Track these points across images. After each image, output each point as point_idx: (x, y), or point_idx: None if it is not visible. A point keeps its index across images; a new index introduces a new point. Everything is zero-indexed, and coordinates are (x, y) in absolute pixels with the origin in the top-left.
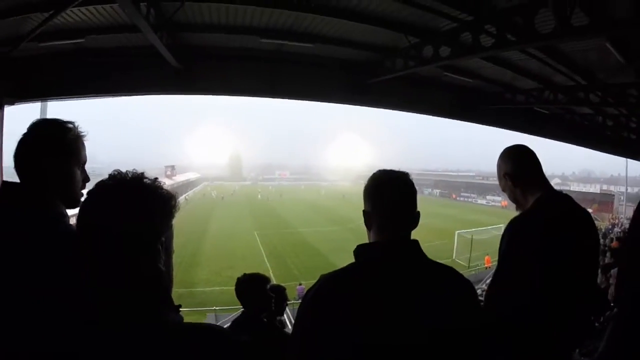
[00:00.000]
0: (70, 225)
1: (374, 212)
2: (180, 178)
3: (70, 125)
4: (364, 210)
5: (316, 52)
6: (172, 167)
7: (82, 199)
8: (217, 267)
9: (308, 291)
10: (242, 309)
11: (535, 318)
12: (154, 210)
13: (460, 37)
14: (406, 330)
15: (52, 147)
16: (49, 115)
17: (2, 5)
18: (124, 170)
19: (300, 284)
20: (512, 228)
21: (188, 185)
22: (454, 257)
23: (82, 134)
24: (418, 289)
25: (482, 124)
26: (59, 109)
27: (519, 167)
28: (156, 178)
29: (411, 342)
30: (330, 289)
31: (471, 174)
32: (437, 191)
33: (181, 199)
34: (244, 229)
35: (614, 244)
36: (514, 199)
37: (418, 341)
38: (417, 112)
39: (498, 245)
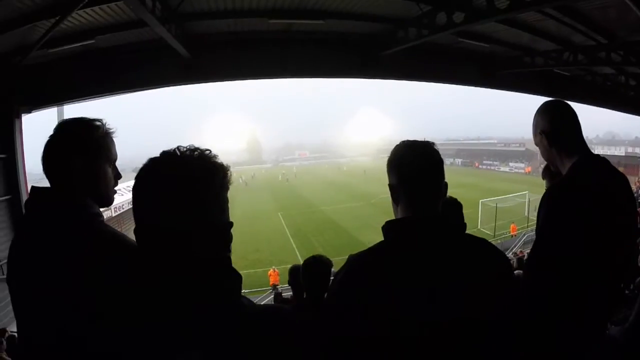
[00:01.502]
0: (106, 224)
1: (400, 184)
2: None
3: (98, 123)
4: (389, 184)
5: (326, 28)
6: None
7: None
8: (243, 250)
9: (337, 273)
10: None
11: (576, 290)
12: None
13: (473, 1)
14: (440, 309)
15: (80, 146)
16: (68, 116)
17: (8, 16)
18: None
19: None
20: (551, 200)
21: None
22: (479, 227)
23: (111, 130)
24: (452, 266)
25: (501, 89)
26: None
27: (557, 125)
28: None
29: (444, 320)
30: (360, 270)
31: (493, 141)
32: (459, 160)
33: None
34: (268, 210)
35: None
36: (547, 158)
37: (452, 320)
38: (432, 81)
39: (522, 213)
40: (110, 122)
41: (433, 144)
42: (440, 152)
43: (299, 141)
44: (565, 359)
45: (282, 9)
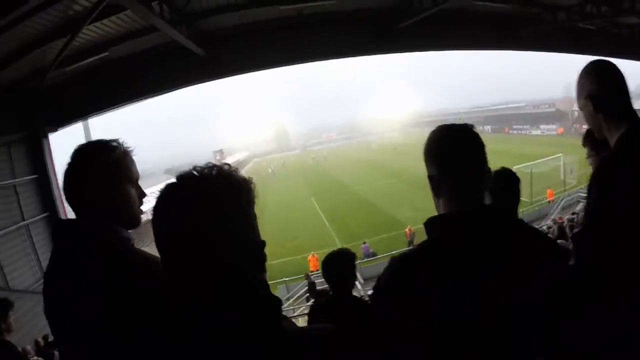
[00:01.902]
0: (136, 248)
1: (441, 176)
2: (230, 160)
3: (115, 144)
4: (429, 175)
5: (339, 7)
6: (220, 150)
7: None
8: (282, 238)
9: (380, 278)
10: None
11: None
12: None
13: None
14: (491, 310)
15: (99, 170)
16: (92, 130)
17: (22, 42)
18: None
19: (364, 242)
20: (604, 181)
21: (239, 165)
22: None
23: (129, 149)
24: (501, 256)
25: (523, 49)
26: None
27: (605, 88)
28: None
29: (496, 321)
30: (405, 274)
31: (521, 104)
32: (488, 127)
33: None
34: (302, 196)
35: None
36: (592, 124)
37: (504, 321)
38: (452, 49)
39: (558, 177)
40: (127, 140)
41: (472, 126)
42: (468, 120)
43: (324, 123)
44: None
45: None
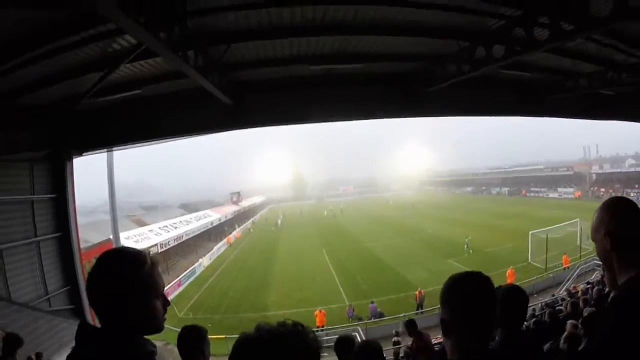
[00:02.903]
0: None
1: (453, 321)
2: (246, 203)
3: (144, 257)
4: (441, 318)
5: (366, 70)
6: (238, 193)
7: None
8: (288, 289)
9: None
10: None
11: None
12: None
13: (512, 33)
14: None
15: (128, 287)
16: (116, 158)
17: (64, 66)
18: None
19: (372, 302)
20: (612, 325)
21: (254, 209)
22: (529, 260)
23: (155, 259)
24: None
25: (548, 116)
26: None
27: (628, 229)
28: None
29: None
30: None
31: (539, 166)
32: (505, 189)
33: (248, 223)
34: (312, 246)
35: None
36: (604, 259)
37: None
38: (476, 115)
39: (574, 242)
40: (154, 252)
41: (489, 278)
42: (485, 182)
43: (342, 176)
44: None
45: (322, 55)
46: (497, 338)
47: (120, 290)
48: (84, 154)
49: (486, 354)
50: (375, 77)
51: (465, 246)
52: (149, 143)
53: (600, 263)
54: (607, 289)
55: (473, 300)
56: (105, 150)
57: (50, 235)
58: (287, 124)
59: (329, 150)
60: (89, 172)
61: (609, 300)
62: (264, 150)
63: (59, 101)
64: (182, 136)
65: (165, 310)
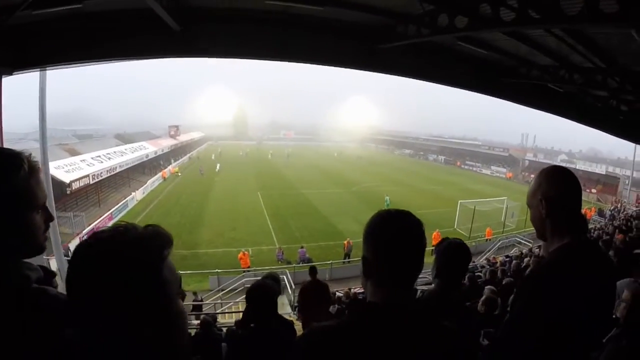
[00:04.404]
0: (38, 286)
1: (376, 262)
2: (184, 138)
3: (19, 161)
4: (363, 256)
5: (325, 14)
6: (177, 127)
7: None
8: (221, 228)
9: (298, 340)
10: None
11: None
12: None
13: (478, 8)
14: None
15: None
16: (49, 79)
17: None
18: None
19: (302, 247)
20: (536, 287)
21: (192, 144)
22: (455, 227)
23: (35, 164)
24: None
25: (496, 97)
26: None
27: (563, 196)
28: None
29: None
30: (321, 346)
31: (477, 142)
32: (442, 158)
33: (185, 158)
34: (249, 189)
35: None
36: (538, 225)
37: None
38: (428, 81)
39: (499, 218)
40: (34, 154)
41: (420, 222)
42: (424, 148)
43: (284, 121)
44: None
45: None
46: (433, 287)
47: None
48: (14, 72)
49: (410, 299)
50: (333, 23)
51: (386, 204)
52: (88, 63)
53: (520, 241)
54: (524, 264)
55: (402, 238)
56: (39, 69)
57: None
58: (235, 57)
59: (273, 92)
60: (20, 96)
61: (541, 265)
62: (207, 86)
63: None
64: (125, 59)
65: (47, 227)
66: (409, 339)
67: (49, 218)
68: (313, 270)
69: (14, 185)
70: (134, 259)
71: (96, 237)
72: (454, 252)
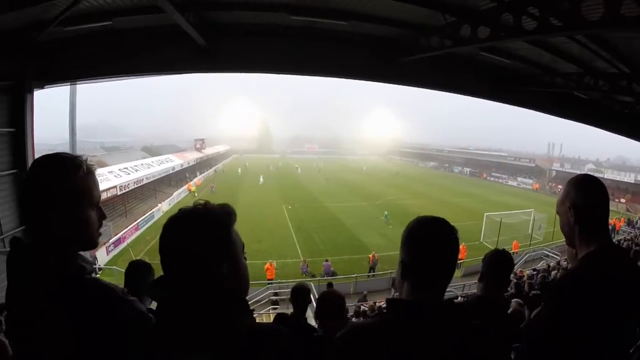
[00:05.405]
0: (94, 278)
1: (413, 264)
2: (209, 151)
3: (78, 162)
4: (401, 260)
5: (348, 29)
6: (202, 140)
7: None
8: (246, 240)
9: (337, 338)
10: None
11: None
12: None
13: (500, 17)
14: None
15: (59, 194)
16: (79, 93)
17: None
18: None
19: (326, 260)
20: (561, 295)
21: (217, 158)
22: (481, 240)
23: (92, 166)
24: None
25: (519, 106)
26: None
27: (591, 205)
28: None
29: None
30: (358, 343)
31: (503, 154)
32: (467, 169)
33: (210, 171)
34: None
35: None
36: (567, 232)
37: None
38: (451, 92)
39: (526, 230)
40: (90, 159)
41: (455, 229)
42: (449, 160)
43: (308, 134)
44: None
45: (304, 6)
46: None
47: (51, 198)
48: (46, 86)
49: (441, 298)
50: (356, 37)
51: (385, 218)
52: (117, 78)
53: (547, 253)
54: (551, 277)
55: (440, 242)
56: (69, 83)
57: (6, 172)
58: (260, 72)
59: (297, 107)
60: (50, 109)
61: (567, 272)
62: (231, 100)
63: (22, 29)
64: (152, 74)
65: (100, 224)
66: (445, 337)
67: (102, 216)
68: (329, 286)
69: (75, 183)
70: (216, 220)
71: (185, 210)
72: (497, 258)
